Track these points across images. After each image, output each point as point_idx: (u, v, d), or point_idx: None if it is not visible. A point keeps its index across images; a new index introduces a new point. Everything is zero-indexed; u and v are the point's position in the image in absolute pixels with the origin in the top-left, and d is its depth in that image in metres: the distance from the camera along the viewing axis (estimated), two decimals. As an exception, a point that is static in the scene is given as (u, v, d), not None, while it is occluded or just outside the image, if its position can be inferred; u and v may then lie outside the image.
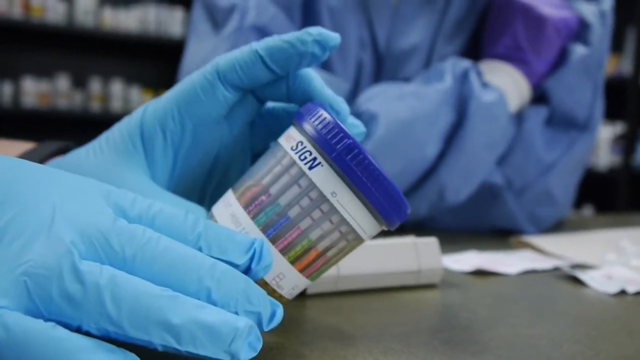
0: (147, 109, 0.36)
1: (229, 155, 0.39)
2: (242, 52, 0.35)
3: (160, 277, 0.25)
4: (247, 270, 0.28)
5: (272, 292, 0.32)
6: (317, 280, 0.40)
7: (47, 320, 0.23)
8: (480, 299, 0.44)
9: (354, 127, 0.37)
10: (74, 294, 0.23)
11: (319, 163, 0.31)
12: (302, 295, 0.41)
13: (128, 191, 0.28)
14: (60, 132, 3.48)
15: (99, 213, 0.26)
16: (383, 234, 0.52)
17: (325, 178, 0.30)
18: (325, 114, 0.31)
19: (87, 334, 0.23)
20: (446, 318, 0.39)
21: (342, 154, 0.30)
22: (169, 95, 0.36)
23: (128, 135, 0.35)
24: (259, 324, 0.27)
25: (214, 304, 0.26)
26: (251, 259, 0.28)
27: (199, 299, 0.25)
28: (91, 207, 0.26)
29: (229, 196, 0.33)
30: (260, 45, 0.34)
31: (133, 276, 0.24)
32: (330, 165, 0.30)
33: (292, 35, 0.34)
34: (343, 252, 0.33)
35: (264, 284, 0.32)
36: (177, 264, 0.26)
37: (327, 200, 0.30)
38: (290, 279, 0.32)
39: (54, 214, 0.25)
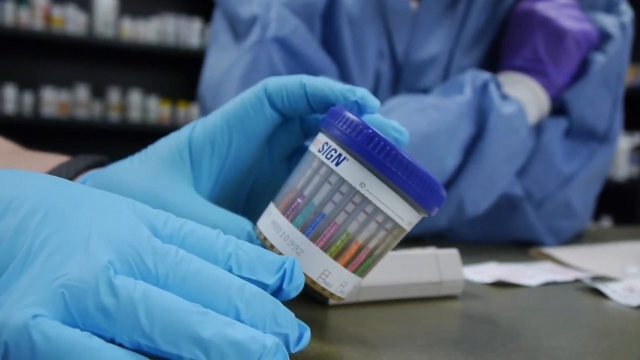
0: (197, 124, 0.37)
1: (267, 182, 0.40)
2: (292, 80, 0.36)
3: (191, 296, 0.26)
4: (279, 290, 0.29)
5: (322, 290, 0.33)
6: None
7: (82, 331, 0.23)
8: (501, 310, 0.44)
9: (397, 132, 0.38)
10: (109, 307, 0.24)
11: (345, 158, 0.32)
12: (325, 305, 0.42)
13: (161, 211, 0.29)
14: (79, 142, 3.52)
15: (135, 232, 0.27)
16: (404, 245, 0.52)
17: (352, 171, 0.31)
18: (346, 113, 0.32)
19: (120, 346, 0.24)
20: (468, 329, 0.39)
21: (363, 144, 0.31)
22: (219, 111, 0.37)
23: (176, 148, 0.37)
24: (287, 346, 0.27)
25: (243, 323, 0.26)
26: (282, 278, 0.29)
27: None
28: (127, 225, 0.27)
29: (270, 207, 0.35)
30: (309, 81, 0.36)
31: (165, 291, 0.25)
32: (355, 158, 0.31)
33: (339, 87, 0.36)
34: (385, 243, 0.33)
35: (312, 283, 0.33)
36: (208, 284, 0.26)
37: (358, 192, 0.31)
38: (336, 275, 0.33)
39: (91, 231, 0.26)
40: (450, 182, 0.68)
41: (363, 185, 0.31)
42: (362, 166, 0.31)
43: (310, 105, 0.36)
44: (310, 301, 0.42)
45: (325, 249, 0.32)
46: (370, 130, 0.31)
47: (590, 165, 0.74)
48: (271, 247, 0.33)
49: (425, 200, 0.32)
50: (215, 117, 0.37)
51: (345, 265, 0.33)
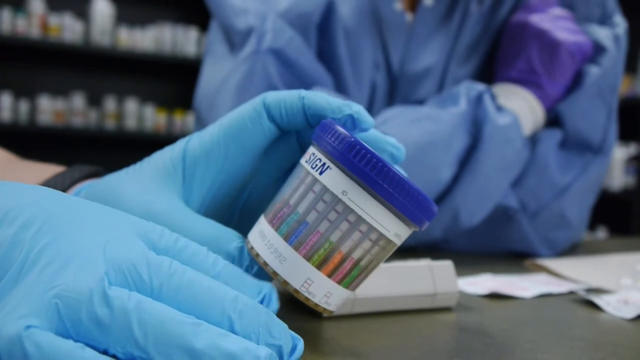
0: (193, 137, 0.38)
1: (262, 196, 0.40)
2: (291, 94, 0.36)
3: (185, 307, 0.26)
4: None
5: (305, 300, 0.33)
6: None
7: (76, 342, 0.23)
8: (496, 322, 0.44)
9: (394, 148, 0.38)
10: (103, 318, 0.24)
11: (328, 167, 0.32)
12: (319, 317, 0.42)
13: (156, 224, 0.29)
14: (75, 150, 3.51)
15: (130, 244, 0.27)
16: (398, 257, 0.52)
17: (334, 179, 0.32)
18: (335, 126, 0.33)
19: (114, 357, 0.24)
20: (462, 342, 0.39)
21: (345, 152, 0.31)
22: (217, 124, 0.38)
23: (170, 160, 0.37)
24: (280, 357, 0.27)
25: (236, 335, 0.26)
26: (261, 302, 0.30)
27: None
28: (122, 237, 0.27)
29: (260, 218, 0.35)
30: (308, 95, 0.36)
31: (159, 303, 0.25)
32: (338, 167, 0.32)
33: (336, 102, 0.36)
34: (371, 255, 0.33)
35: (295, 292, 0.33)
36: (201, 295, 0.26)
37: (340, 201, 0.31)
38: (319, 285, 0.33)
39: (87, 242, 0.26)
40: (446, 193, 0.68)
41: (345, 194, 0.31)
42: (345, 174, 0.31)
43: (307, 120, 0.36)
44: (304, 313, 0.42)
45: (307, 257, 0.32)
46: (353, 139, 0.31)
47: (585, 177, 0.74)
48: (257, 256, 0.33)
49: (411, 211, 0.32)
50: (212, 130, 0.37)
51: (329, 275, 0.33)
